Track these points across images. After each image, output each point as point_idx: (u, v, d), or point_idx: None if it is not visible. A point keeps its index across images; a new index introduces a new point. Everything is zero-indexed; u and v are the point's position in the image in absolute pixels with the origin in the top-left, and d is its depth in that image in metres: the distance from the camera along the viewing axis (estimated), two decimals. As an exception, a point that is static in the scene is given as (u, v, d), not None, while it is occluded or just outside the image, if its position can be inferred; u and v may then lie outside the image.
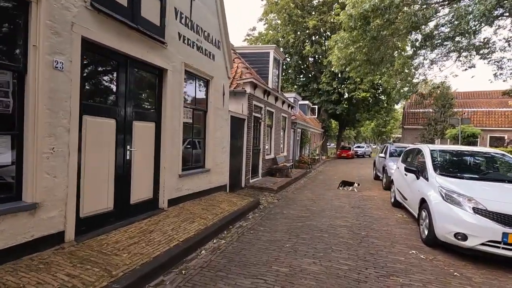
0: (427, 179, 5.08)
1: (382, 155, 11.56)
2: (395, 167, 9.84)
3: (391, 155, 11.25)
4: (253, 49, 12.34)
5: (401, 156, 7.79)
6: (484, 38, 12.87)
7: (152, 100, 5.20)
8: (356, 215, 6.56)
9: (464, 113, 28.27)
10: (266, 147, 11.79)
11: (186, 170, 6.09)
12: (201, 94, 6.84)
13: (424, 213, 4.82)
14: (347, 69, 12.65)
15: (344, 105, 30.24)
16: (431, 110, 27.90)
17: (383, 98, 29.55)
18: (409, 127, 30.53)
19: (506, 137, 26.70)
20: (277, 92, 12.26)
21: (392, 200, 7.65)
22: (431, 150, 5.65)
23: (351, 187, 9.90)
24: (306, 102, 23.81)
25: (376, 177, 13.17)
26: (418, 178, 5.48)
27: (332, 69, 13.10)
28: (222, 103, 7.46)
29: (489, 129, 27.35)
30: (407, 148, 7.83)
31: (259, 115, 10.32)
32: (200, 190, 6.56)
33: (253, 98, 9.76)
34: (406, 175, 6.26)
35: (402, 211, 7.05)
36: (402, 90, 14.29)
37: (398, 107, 35.94)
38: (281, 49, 30.04)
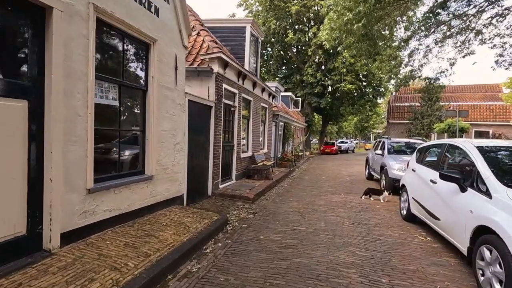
0: (487, 194, 3.17)
1: (379, 152, 9.78)
2: (398, 167, 8.06)
3: (389, 152, 9.49)
4: (225, 22, 10.10)
5: (415, 154, 5.94)
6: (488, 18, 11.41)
7: (22, 59, 2.93)
8: (362, 239, 4.62)
9: (450, 107, 27.50)
10: (242, 143, 9.70)
11: (106, 180, 3.87)
12: (136, 65, 4.61)
13: (488, 254, 2.91)
14: (340, 47, 10.71)
15: (328, 98, 28.65)
16: (417, 104, 26.88)
17: (369, 91, 28.20)
18: (394, 121, 29.46)
19: (491, 132, 26.17)
20: (256, 77, 10.16)
21: (404, 212, 5.81)
22: (481, 148, 3.75)
23: (380, 197, 7.66)
24: (289, 93, 21.89)
25: (370, 177, 11.45)
26: (464, 190, 3.58)
27: (323, 44, 11.06)
28: (173, 81, 5.25)
29: (474, 123, 26.60)
30: (426, 144, 5.98)
31: (231, 103, 8.18)
32: (135, 208, 4.37)
33: (223, 80, 7.60)
34: (434, 182, 4.38)
35: (419, 228, 5.21)
36: (398, 76, 12.58)
37: (381, 101, 34.88)
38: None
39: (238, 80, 8.71)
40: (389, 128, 30.42)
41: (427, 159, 5.35)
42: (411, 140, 10.09)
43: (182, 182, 5.69)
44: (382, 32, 9.83)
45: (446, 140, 4.98)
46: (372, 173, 11.03)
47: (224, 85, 7.68)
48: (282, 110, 15.86)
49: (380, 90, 26.62)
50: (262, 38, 11.60)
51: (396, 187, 8.08)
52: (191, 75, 7.18)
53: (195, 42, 7.77)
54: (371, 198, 7.77)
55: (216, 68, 7.13)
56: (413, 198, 5.37)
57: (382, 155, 9.54)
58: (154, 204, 4.80)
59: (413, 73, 11.90)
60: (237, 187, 8.00)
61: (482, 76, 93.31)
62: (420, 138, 10.31)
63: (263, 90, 11.60)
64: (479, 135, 26.64)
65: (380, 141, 10.99)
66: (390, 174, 8.29)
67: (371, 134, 61.01)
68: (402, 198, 6.05)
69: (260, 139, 11.98)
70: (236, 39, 9.77)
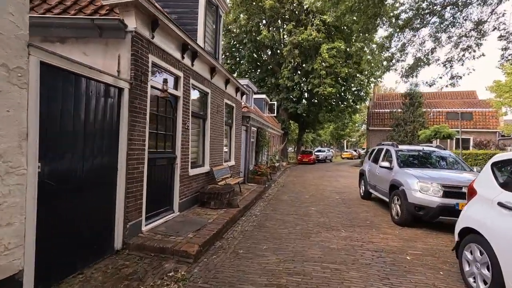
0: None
1: (385, 164, 7.11)
2: (422, 187, 5.41)
3: (401, 164, 6.85)
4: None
5: (493, 173, 3.21)
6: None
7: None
8: None
9: (430, 113, 26.34)
10: (192, 153, 6.62)
11: None
12: None
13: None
14: (332, 10, 8.06)
15: (306, 105, 26.37)
16: (399, 110, 25.35)
17: (349, 96, 26.30)
18: (375, 129, 27.78)
19: (471, 139, 25.18)
20: (216, 60, 7.19)
21: (478, 283, 3.01)
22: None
23: None
24: (263, 96, 19.16)
25: (367, 195, 8.81)
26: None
27: (306, 3, 8.31)
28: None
29: (454, 130, 25.42)
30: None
31: (165, 87, 5.05)
32: None
33: (150, 48, 4.54)
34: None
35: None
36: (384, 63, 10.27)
37: (361, 107, 33.38)
38: (233, 34, 25.26)
39: (183, 57, 5.68)
40: (369, 136, 28.72)
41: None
42: (428, 148, 7.58)
43: (16, 245, 2.50)
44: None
45: None
46: (372, 191, 8.37)
47: (153, 58, 4.61)
48: (255, 113, 13.01)
49: (361, 94, 24.73)
50: (225, 11, 8.71)
51: (418, 217, 5.41)
52: (87, 34, 4.06)
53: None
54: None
55: (133, 23, 4.07)
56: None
57: (390, 168, 6.89)
58: None
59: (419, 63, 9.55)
60: (176, 226, 4.86)
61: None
62: (435, 145, 7.85)
63: (227, 81, 8.65)
64: (462, 142, 25.45)
65: (381, 150, 8.39)
66: (410, 197, 5.60)
67: (345, 143, 60.03)
68: (464, 256, 3.27)
69: (224, 148, 8.96)
70: (185, 4, 6.79)
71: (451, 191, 5.25)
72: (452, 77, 9.76)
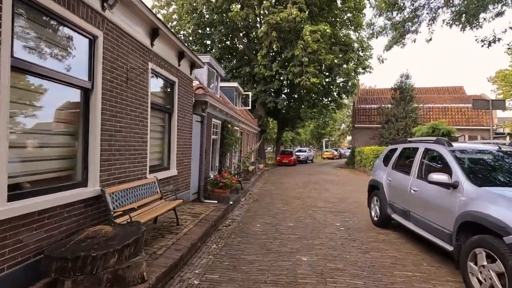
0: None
1: (438, 177, 3.75)
2: None
3: (479, 178, 3.53)
4: None
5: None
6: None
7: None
8: None
9: (421, 110, 23.98)
10: (38, 161, 2.93)
11: None
12: None
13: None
14: None
15: (286, 99, 23.12)
16: (389, 105, 22.74)
17: (334, 90, 23.30)
18: (361, 126, 25.06)
19: (467, 137, 23.08)
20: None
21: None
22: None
23: None
24: (235, 84, 15.55)
25: (385, 222, 5.53)
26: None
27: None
28: None
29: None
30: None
31: None
32: None
33: None
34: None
35: None
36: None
37: (347, 101, 30.67)
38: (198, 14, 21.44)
39: None
40: (354, 134, 26.00)
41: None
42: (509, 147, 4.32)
43: None
44: None
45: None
46: (397, 217, 5.07)
47: None
48: (219, 101, 9.39)
49: (348, 86, 21.81)
50: None
51: None
52: None
53: None
54: None
55: None
56: None
57: (451, 185, 3.57)
58: None
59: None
60: None
61: (440, 79, 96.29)
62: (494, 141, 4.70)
63: (155, 33, 5.00)
64: (451, 140, 23.22)
65: (410, 151, 5.12)
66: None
67: (324, 142, 57.41)
68: None
69: (149, 148, 5.30)
70: None
71: None
72: None
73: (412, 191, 4.50)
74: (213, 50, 23.50)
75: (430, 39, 9.14)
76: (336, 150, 49.24)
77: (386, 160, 5.96)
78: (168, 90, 6.07)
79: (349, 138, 61.41)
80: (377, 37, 10.57)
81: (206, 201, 7.55)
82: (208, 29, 23.58)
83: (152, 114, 5.15)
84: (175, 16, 23.63)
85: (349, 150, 47.28)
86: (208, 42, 23.93)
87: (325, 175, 17.42)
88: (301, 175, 16.81)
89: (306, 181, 13.80)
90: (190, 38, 23.65)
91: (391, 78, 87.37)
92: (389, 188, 5.41)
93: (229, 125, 10.36)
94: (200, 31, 23.97)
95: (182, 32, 23.45)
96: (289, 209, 7.44)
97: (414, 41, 8.07)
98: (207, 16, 22.41)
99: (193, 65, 7.16)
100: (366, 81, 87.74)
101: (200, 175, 7.78)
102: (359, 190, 10.59)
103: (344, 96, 23.26)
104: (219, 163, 9.91)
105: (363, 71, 21.29)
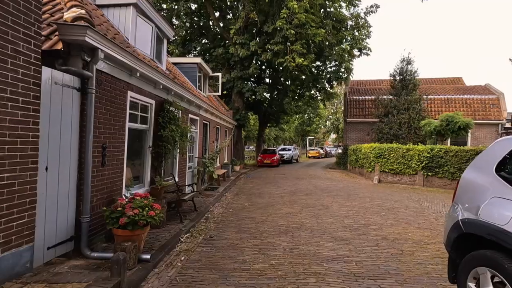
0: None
1: None
2: None
3: None
4: None
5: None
6: None
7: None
8: None
9: (423, 101, 20.86)
10: None
11: None
12: None
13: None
14: None
15: (266, 90, 19.22)
16: (389, 96, 19.38)
17: (324, 76, 19.67)
18: (354, 120, 21.63)
19: (470, 133, 20.20)
20: None
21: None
22: None
23: None
24: (198, 60, 11.47)
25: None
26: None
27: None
28: None
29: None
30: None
31: None
32: None
33: None
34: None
35: None
36: None
37: (338, 90, 27.17)
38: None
39: None
40: (346, 129, 22.54)
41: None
42: None
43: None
44: None
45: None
46: None
47: None
48: (168, 74, 5.36)
49: (340, 72, 18.21)
50: None
51: None
52: None
53: None
54: None
55: None
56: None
57: None
58: None
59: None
60: None
61: (435, 71, 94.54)
62: None
63: None
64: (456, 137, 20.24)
65: None
66: None
67: (308, 140, 54.01)
68: None
69: None
70: None
71: None
72: None
73: None
74: (181, 31, 19.23)
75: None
76: (322, 148, 46.03)
77: (502, 170, 2.19)
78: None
79: (333, 136, 58.46)
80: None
81: (94, 254, 3.56)
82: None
83: None
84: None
85: (335, 149, 44.37)
86: (176, 22, 19.53)
87: (316, 179, 13.74)
88: (286, 180, 13.03)
89: (294, 191, 10.00)
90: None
91: (379, 73, 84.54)
92: None
93: (172, 109, 6.35)
94: (164, 5, 19.64)
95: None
96: (267, 270, 3.57)
97: None
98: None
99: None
100: (356, 74, 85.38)
101: (83, 198, 3.74)
102: (373, 207, 6.96)
103: (335, 83, 19.63)
104: (152, 170, 5.88)
105: (358, 53, 17.75)
